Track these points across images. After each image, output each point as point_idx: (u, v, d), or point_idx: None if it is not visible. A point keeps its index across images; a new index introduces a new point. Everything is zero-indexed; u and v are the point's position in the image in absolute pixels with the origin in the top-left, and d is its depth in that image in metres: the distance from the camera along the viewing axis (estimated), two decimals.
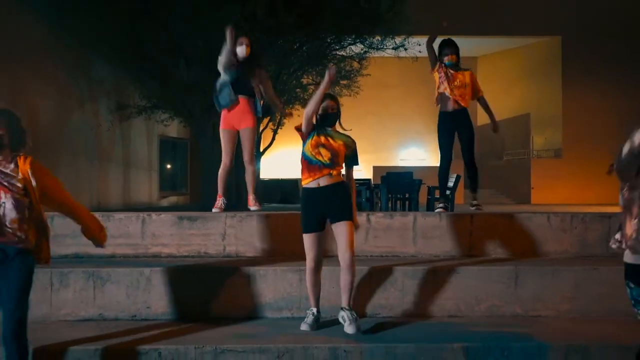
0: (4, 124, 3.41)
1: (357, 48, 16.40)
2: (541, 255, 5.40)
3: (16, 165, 3.40)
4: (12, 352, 3.30)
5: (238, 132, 5.83)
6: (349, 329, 4.08)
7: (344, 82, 16.87)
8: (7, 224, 3.34)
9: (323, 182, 4.13)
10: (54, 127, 11.49)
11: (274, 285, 4.62)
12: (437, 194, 9.51)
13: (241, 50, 5.66)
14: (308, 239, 4.16)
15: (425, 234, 5.46)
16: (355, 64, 16.53)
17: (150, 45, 11.22)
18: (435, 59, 6.27)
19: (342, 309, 4.20)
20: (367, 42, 16.16)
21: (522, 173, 20.50)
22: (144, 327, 4.30)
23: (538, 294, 4.66)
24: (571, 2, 20.31)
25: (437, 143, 6.33)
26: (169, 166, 19.87)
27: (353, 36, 15.14)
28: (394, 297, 4.65)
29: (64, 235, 5.25)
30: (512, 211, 5.95)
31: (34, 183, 3.42)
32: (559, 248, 5.43)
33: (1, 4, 9.66)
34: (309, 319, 4.25)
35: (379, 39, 16.12)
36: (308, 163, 4.16)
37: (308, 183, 4.16)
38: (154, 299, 4.56)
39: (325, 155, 4.13)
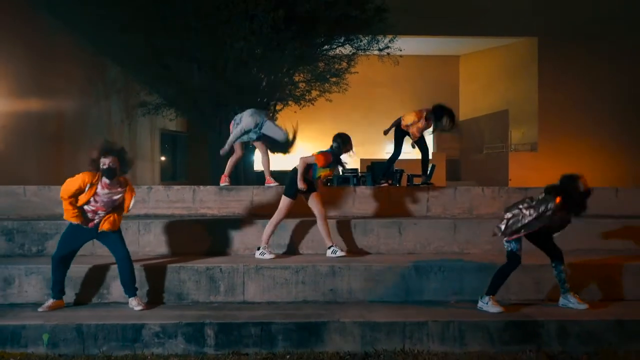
0: (117, 159, 5.45)
1: (346, 49, 18.38)
2: (477, 215, 7.59)
3: (122, 187, 5.56)
4: None
5: None
6: (342, 253, 6.37)
7: (334, 79, 18.68)
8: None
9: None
10: (76, 122, 13.59)
11: (292, 232, 6.78)
12: (415, 181, 11.69)
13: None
14: (288, 201, 6.43)
15: (394, 200, 7.64)
16: (344, 64, 18.40)
17: (167, 53, 13.31)
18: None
19: (328, 247, 6.42)
20: (355, 44, 18.22)
21: (500, 166, 21.52)
22: (206, 256, 6.45)
23: (469, 239, 6.86)
24: (548, 5, 21.93)
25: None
26: (169, 157, 21.63)
27: (342, 39, 17.17)
28: (372, 240, 6.82)
29: (137, 201, 7.36)
30: (456, 185, 8.10)
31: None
32: (490, 210, 7.63)
33: (35, 16, 11.72)
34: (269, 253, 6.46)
35: (366, 41, 18.19)
36: (313, 177, 6.48)
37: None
38: (208, 240, 6.70)
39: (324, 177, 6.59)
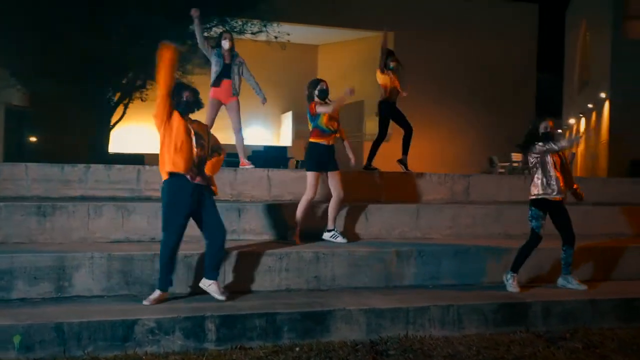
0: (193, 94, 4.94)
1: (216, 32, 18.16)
2: (426, 201, 7.74)
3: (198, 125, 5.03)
4: None
5: (222, 105, 7.50)
6: (342, 240, 6.24)
7: (198, 61, 18.34)
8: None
9: (331, 142, 6.18)
10: None
11: (257, 216, 6.40)
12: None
13: (225, 44, 7.33)
14: (313, 176, 6.13)
15: (350, 185, 7.50)
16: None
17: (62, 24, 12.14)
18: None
19: (328, 230, 6.31)
20: (229, 25, 18.07)
21: (355, 154, 22.55)
22: None
23: (430, 224, 6.98)
24: (404, 1, 23.28)
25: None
26: (16, 134, 19.91)
27: (216, 21, 17.02)
28: (337, 225, 6.62)
29: (72, 180, 6.57)
30: (405, 171, 8.19)
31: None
32: (437, 196, 7.84)
33: None
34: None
35: (241, 23, 18.10)
36: (321, 131, 6.15)
37: (322, 142, 6.16)
38: None
39: (333, 126, 6.19)
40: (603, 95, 19.78)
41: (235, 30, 18.35)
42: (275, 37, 18.45)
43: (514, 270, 5.81)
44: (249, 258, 5.55)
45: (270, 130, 27.64)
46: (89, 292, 5.12)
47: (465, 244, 6.40)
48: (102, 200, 6.41)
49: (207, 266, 5.13)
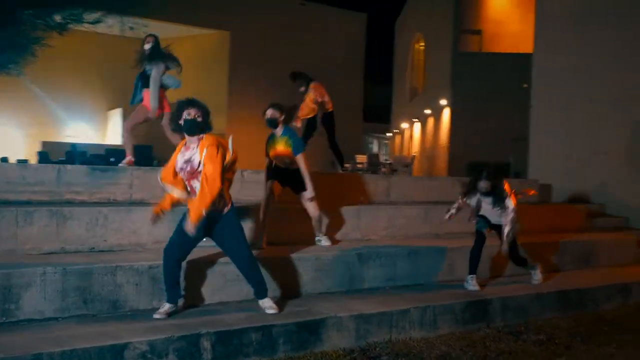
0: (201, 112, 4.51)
1: (59, 18, 16.95)
2: (355, 201, 7.67)
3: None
4: None
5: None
6: (327, 242, 6.19)
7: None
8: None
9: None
10: None
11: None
12: None
13: (148, 47, 6.71)
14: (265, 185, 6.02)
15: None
16: (39, 33, 16.91)
17: None
18: None
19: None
20: (67, 13, 16.96)
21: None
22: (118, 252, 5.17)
23: (369, 225, 6.96)
24: (241, 1, 23.25)
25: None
26: None
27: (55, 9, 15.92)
28: (282, 227, 6.29)
29: None
30: (334, 172, 8.09)
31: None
32: (360, 196, 7.82)
33: None
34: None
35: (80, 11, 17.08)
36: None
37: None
38: (110, 233, 5.37)
39: (282, 162, 5.99)
40: (444, 102, 21.34)
41: (74, 19, 17.19)
42: (131, 28, 17.34)
43: (472, 272, 5.97)
44: (215, 267, 5.07)
45: (95, 127, 25.81)
46: (40, 314, 4.33)
47: (415, 245, 6.48)
48: (16, 204, 5.45)
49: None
